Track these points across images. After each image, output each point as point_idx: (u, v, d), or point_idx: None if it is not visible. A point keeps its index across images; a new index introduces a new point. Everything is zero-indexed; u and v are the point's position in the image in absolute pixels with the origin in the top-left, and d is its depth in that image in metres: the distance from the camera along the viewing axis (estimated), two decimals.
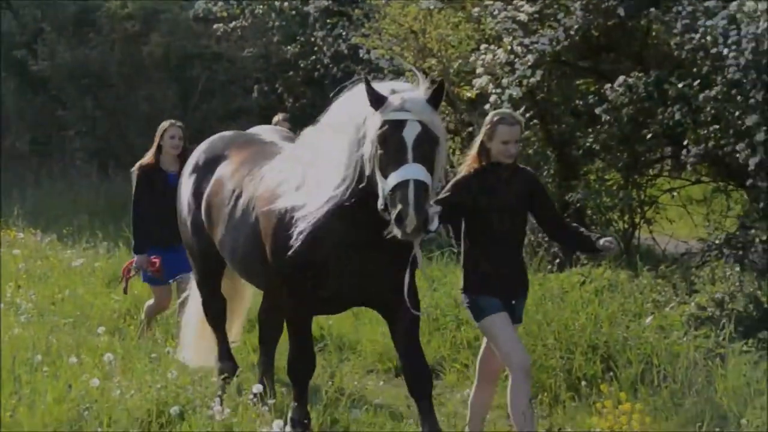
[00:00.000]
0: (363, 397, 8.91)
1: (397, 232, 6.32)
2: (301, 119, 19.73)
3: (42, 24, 22.28)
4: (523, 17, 11.90)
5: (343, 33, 18.78)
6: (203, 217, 8.30)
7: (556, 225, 7.35)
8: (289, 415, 7.67)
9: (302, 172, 7.14)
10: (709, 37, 10.41)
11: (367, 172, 6.59)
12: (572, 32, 11.69)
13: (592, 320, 9.26)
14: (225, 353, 8.79)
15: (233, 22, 20.28)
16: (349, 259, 6.94)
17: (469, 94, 12.57)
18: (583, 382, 8.57)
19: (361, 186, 6.69)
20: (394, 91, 6.61)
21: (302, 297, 7.29)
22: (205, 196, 8.28)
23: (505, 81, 11.92)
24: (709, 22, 10.49)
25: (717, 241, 11.16)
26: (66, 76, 21.96)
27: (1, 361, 8.39)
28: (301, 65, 19.44)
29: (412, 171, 6.34)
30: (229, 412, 7.54)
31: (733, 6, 10.33)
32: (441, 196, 6.90)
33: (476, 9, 12.69)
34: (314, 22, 19.19)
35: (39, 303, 11.73)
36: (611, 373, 8.63)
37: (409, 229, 6.24)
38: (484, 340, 7.35)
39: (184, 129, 10.46)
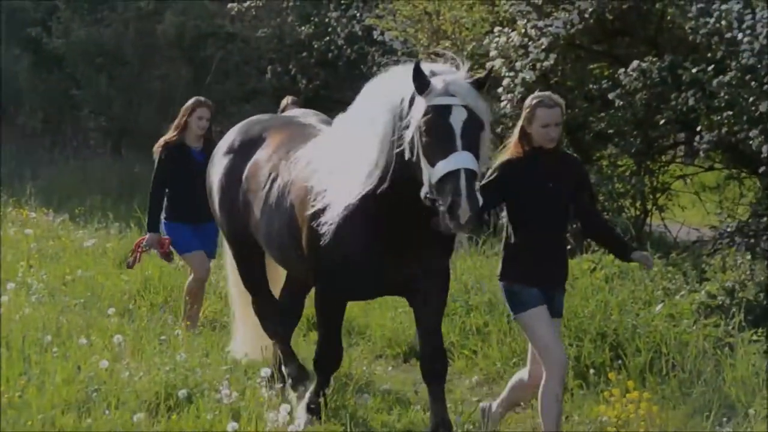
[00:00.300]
0: (371, 383, 8.93)
1: (449, 223, 6.17)
2: (314, 100, 19.87)
3: (56, 1, 22.27)
4: (537, 0, 11.87)
5: (358, 14, 18.75)
6: (240, 199, 8.13)
7: (594, 221, 7.22)
8: (305, 401, 7.65)
9: (336, 156, 7.02)
10: (723, 22, 10.37)
11: (407, 156, 6.44)
12: (586, 15, 11.65)
13: (602, 308, 9.25)
14: (288, 357, 8.36)
15: (247, 2, 20.24)
16: (383, 246, 6.85)
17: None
18: (592, 370, 8.56)
19: (395, 171, 6.57)
20: (434, 73, 6.46)
21: (335, 286, 7.19)
22: (242, 178, 8.11)
23: (518, 64, 11.90)
24: (723, 6, 10.45)
25: (729, 229, 11.15)
26: (80, 54, 21.96)
27: (11, 341, 8.46)
28: (315, 46, 19.42)
29: (462, 160, 6.19)
30: (237, 395, 7.58)
31: None
32: (483, 181, 6.66)
33: None
34: (328, 3, 19.19)
35: (50, 283, 11.77)
36: (620, 361, 8.63)
37: (463, 220, 6.10)
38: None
39: (212, 108, 10.37)
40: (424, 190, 6.34)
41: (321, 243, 6.92)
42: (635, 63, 11.32)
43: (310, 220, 7.03)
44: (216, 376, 8.05)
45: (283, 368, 8.29)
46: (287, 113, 10.03)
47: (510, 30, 12.23)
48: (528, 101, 6.90)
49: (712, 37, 10.61)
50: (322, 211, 6.89)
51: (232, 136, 8.50)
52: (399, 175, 6.56)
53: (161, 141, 10.31)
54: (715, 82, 10.47)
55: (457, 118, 6.29)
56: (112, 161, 21.44)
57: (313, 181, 7.10)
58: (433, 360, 7.11)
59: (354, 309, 10.64)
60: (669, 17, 11.62)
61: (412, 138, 6.39)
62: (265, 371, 7.99)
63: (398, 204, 6.62)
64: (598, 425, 7.73)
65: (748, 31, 10.14)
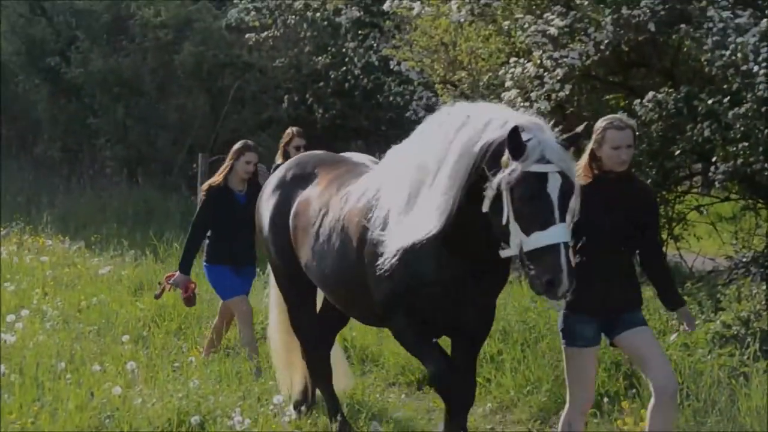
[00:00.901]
0: (384, 410, 8.93)
1: (544, 292, 6.12)
2: (330, 130, 19.93)
3: (76, 32, 22.41)
4: (553, 31, 11.87)
5: (374, 44, 18.83)
6: (291, 236, 8.01)
7: (653, 258, 7.03)
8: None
9: (399, 192, 6.85)
10: (739, 54, 10.36)
11: (485, 210, 6.29)
12: (602, 47, 11.65)
13: None
14: (336, 412, 8.21)
15: (265, 32, 20.33)
16: (449, 288, 6.76)
17: None
18: (606, 399, 8.53)
19: (459, 214, 6.47)
20: (523, 130, 6.20)
21: (410, 311, 6.95)
22: (291, 215, 8.00)
23: (533, 95, 11.90)
24: (740, 39, 10.45)
25: (744, 259, 11.13)
26: (98, 83, 22.07)
27: (25, 367, 8.48)
28: (332, 76, 19.49)
29: (561, 234, 6.11)
30: (249, 422, 7.58)
31: (764, 23, 10.30)
32: None
33: (507, 22, 12.68)
34: (345, 33, 19.24)
35: (65, 310, 11.84)
36: (634, 390, 8.62)
37: (560, 294, 6.08)
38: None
39: (259, 154, 10.28)
40: (511, 251, 6.25)
41: (384, 283, 6.84)
42: (651, 94, 11.31)
43: (371, 254, 6.92)
44: (229, 403, 8.07)
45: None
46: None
47: (526, 61, 12.24)
48: (599, 123, 6.79)
49: (728, 69, 10.59)
50: (382, 245, 6.80)
51: (282, 172, 8.39)
52: (462, 219, 6.46)
53: (206, 184, 10.26)
54: (730, 113, 10.45)
55: (554, 186, 6.16)
56: (128, 189, 21.50)
57: (374, 215, 6.98)
58: (465, 395, 7.05)
59: (367, 336, 10.67)
60: (685, 49, 11.60)
61: (497, 196, 6.24)
62: (278, 398, 8.01)
63: (462, 247, 6.58)
64: None
65: (764, 64, 10.14)
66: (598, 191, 6.66)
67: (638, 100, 11.38)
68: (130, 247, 15.59)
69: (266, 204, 8.32)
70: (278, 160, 11.03)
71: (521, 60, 12.32)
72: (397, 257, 6.67)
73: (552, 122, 9.67)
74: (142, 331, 11.21)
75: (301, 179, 8.08)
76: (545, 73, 11.88)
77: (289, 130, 11.58)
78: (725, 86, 10.80)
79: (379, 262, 6.78)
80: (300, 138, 11.39)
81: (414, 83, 18.06)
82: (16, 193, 21.60)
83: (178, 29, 21.68)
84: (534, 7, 12.58)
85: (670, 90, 11.36)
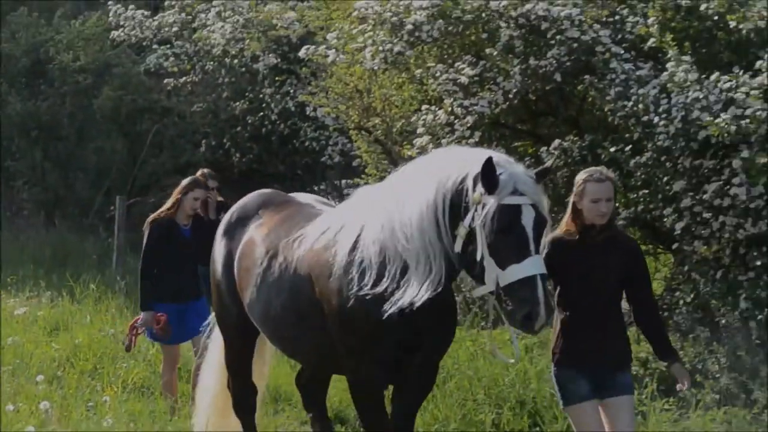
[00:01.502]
0: None
1: (526, 330, 6.06)
2: (247, 174, 19.93)
3: None
4: (463, 80, 12.03)
5: (291, 90, 18.93)
6: (234, 278, 7.84)
7: (644, 312, 6.86)
8: None
9: (374, 225, 6.63)
10: (641, 105, 10.54)
11: (456, 250, 6.24)
12: (511, 96, 11.79)
13: (521, 376, 9.38)
14: None
15: (184, 78, 20.37)
16: (420, 324, 6.56)
17: (410, 153, 12.67)
18: None
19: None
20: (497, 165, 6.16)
21: (371, 360, 6.73)
22: (236, 257, 7.85)
23: (444, 141, 12.02)
24: (641, 91, 10.64)
25: None
26: (17, 126, 21.90)
27: None
28: (249, 121, 19.52)
29: (536, 265, 6.02)
30: None
31: (664, 76, 10.52)
32: None
33: (419, 71, 12.84)
34: (263, 80, 19.31)
35: None
36: (537, 429, 8.74)
37: (537, 327, 6.00)
38: None
39: (208, 191, 10.21)
40: (487, 288, 6.15)
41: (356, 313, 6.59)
42: (557, 142, 11.49)
43: (338, 291, 6.69)
44: None
45: None
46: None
47: (437, 108, 12.41)
48: (578, 176, 6.73)
49: (629, 120, 10.77)
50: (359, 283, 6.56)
51: (229, 216, 8.25)
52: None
53: (151, 217, 10.06)
54: (632, 162, 10.66)
55: (528, 218, 6.08)
56: (46, 231, 21.33)
57: (341, 252, 6.74)
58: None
59: (281, 376, 10.68)
60: (590, 99, 11.80)
61: (470, 234, 6.18)
62: None
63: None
64: None
65: (664, 115, 10.28)
66: (579, 243, 6.57)
67: (545, 148, 11.56)
68: (46, 288, 15.48)
69: (218, 248, 8.17)
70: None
71: (433, 107, 12.49)
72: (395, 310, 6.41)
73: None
74: (56, 371, 11.13)
75: (246, 220, 7.96)
76: (456, 120, 12.04)
77: (199, 172, 11.44)
78: (627, 135, 11.01)
79: (353, 299, 6.58)
80: (212, 178, 11.34)
81: (329, 129, 18.20)
82: None
83: (97, 74, 21.61)
84: (445, 56, 12.74)
85: (575, 138, 11.55)
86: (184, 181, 10.14)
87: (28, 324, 13.48)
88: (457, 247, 6.24)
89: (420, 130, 12.41)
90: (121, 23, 20.98)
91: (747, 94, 10.06)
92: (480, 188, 6.12)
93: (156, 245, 9.84)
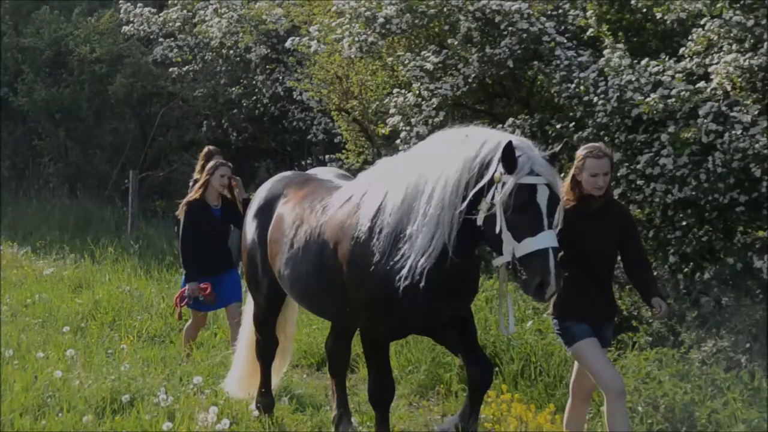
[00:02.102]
0: (287, 388, 8.95)
1: (533, 294, 5.88)
2: (243, 150, 19.88)
3: (22, 66, 22.05)
4: (429, 66, 12.02)
5: (280, 77, 18.84)
6: (266, 249, 7.60)
7: (636, 266, 6.66)
8: None
9: (396, 193, 6.39)
10: (582, 87, 10.56)
11: (479, 223, 6.02)
12: (470, 80, 11.80)
13: (483, 324, 9.39)
14: (265, 389, 8.08)
15: (186, 67, 20.26)
16: (436, 290, 6.31)
17: (384, 131, 12.67)
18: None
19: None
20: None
21: (383, 322, 6.58)
22: (268, 233, 7.59)
23: (413, 120, 12.04)
24: (582, 74, 10.66)
25: None
26: (42, 110, 21.76)
27: None
28: (244, 104, 19.45)
29: (549, 239, 5.84)
30: (172, 399, 7.58)
31: (601, 61, 10.52)
32: None
33: (390, 59, 12.81)
34: (255, 68, 19.24)
35: (13, 306, 11.66)
36: (496, 369, 8.76)
37: (548, 295, 5.86)
38: (575, 362, 6.85)
39: (232, 168, 9.78)
40: (503, 259, 5.95)
41: (373, 277, 6.37)
42: (510, 120, 11.49)
43: (354, 255, 6.52)
44: (155, 383, 8.05)
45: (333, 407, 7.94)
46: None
47: (407, 92, 12.38)
48: (579, 151, 6.59)
49: (572, 100, 10.78)
50: (377, 249, 6.37)
51: (259, 196, 7.97)
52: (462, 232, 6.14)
53: (184, 201, 9.63)
54: (575, 137, 10.64)
55: (543, 197, 5.91)
56: (69, 202, 21.20)
57: (361, 220, 6.53)
58: (483, 375, 6.59)
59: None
60: (538, 82, 11.81)
61: (490, 209, 5.98)
62: (197, 379, 8.00)
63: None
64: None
65: (602, 96, 10.31)
66: (580, 211, 6.45)
67: (500, 125, 11.53)
68: (70, 251, 15.41)
69: (249, 228, 7.92)
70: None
71: (403, 91, 12.46)
72: (406, 276, 6.21)
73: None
74: (80, 323, 11.10)
75: (274, 200, 7.70)
76: (423, 102, 12.02)
77: (205, 149, 11.26)
78: (571, 114, 11.00)
79: (369, 264, 6.40)
80: (217, 154, 11.19)
81: (314, 110, 18.12)
82: None
83: (111, 64, 21.42)
84: (413, 45, 12.72)
85: (526, 116, 11.56)
86: (210, 163, 9.75)
87: (55, 282, 13.42)
88: (480, 220, 6.04)
89: (392, 110, 12.40)
90: (131, 19, 20.96)
91: (672, 77, 10.11)
92: (500, 168, 5.95)
93: (192, 226, 9.46)
